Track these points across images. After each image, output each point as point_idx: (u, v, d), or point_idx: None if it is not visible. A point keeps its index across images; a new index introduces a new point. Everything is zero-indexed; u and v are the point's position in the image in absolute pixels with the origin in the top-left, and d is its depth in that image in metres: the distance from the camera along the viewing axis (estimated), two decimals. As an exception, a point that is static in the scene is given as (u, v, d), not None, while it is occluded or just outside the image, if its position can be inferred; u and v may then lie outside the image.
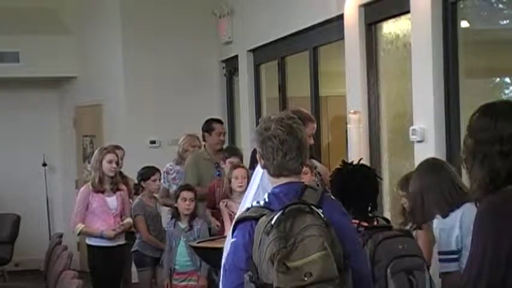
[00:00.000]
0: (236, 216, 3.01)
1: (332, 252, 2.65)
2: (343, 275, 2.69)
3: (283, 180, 2.93)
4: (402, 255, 3.56)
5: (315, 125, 5.08)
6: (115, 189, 7.03)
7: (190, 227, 6.69)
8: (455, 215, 3.88)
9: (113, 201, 7.01)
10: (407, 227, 4.65)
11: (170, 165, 7.84)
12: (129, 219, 7.14)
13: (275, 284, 2.62)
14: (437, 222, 3.97)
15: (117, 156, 7.09)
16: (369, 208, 3.79)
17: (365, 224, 3.67)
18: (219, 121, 7.88)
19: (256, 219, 2.78)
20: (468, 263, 2.49)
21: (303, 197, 2.82)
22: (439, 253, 3.96)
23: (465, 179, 3.70)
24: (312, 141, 5.00)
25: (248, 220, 2.83)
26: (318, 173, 5.62)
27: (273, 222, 2.68)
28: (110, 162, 6.95)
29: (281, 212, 2.69)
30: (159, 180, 7.45)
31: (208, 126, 7.70)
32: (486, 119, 2.55)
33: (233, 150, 7.31)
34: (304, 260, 2.62)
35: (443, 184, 3.99)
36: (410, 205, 4.21)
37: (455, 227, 3.88)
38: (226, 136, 10.14)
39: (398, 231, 3.91)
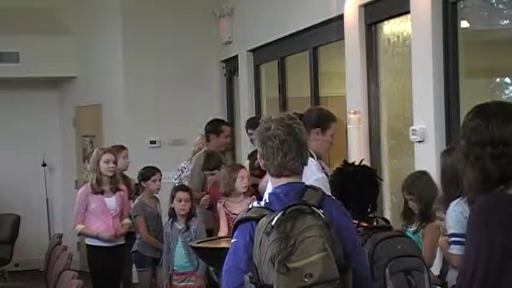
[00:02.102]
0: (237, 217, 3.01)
1: (333, 253, 2.65)
2: (343, 276, 2.69)
3: (283, 181, 2.93)
4: (401, 255, 3.56)
5: (337, 124, 5.03)
6: (115, 190, 7.03)
7: (187, 227, 6.69)
8: None
9: (111, 201, 7.00)
10: (411, 228, 4.67)
11: (185, 164, 7.85)
12: (127, 221, 7.14)
13: (275, 285, 2.61)
14: (456, 205, 3.86)
15: (114, 156, 7.08)
16: (369, 209, 3.79)
17: (364, 224, 3.67)
18: (226, 123, 7.84)
19: (257, 219, 2.78)
20: (463, 262, 2.51)
21: (304, 198, 2.82)
22: (451, 235, 3.87)
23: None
24: (333, 140, 4.99)
25: (249, 221, 2.84)
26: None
27: (273, 223, 2.67)
28: (107, 162, 6.94)
29: (281, 212, 2.69)
30: (160, 180, 7.45)
31: (217, 128, 7.60)
32: (479, 121, 2.56)
33: (208, 162, 7.12)
34: (305, 261, 2.61)
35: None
36: (442, 181, 4.11)
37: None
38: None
39: (398, 231, 3.91)
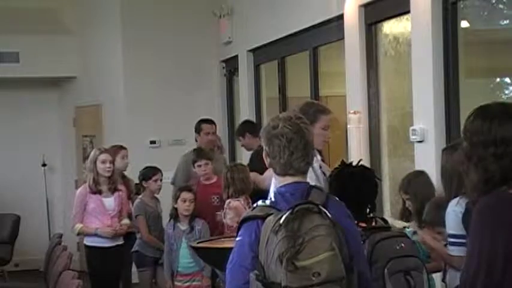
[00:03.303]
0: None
1: (340, 252, 2.66)
2: (349, 275, 2.70)
3: (289, 180, 2.94)
4: (400, 255, 3.55)
5: (329, 117, 4.90)
6: (113, 190, 7.01)
7: (191, 228, 6.68)
8: None
9: (110, 202, 6.99)
10: (410, 228, 4.66)
11: None
12: (126, 221, 7.12)
13: (283, 283, 2.63)
14: (455, 205, 3.80)
15: (112, 156, 7.06)
16: (368, 209, 3.79)
17: (363, 224, 3.67)
18: (207, 121, 7.95)
19: (263, 218, 2.79)
20: (465, 262, 2.51)
21: (309, 198, 2.84)
22: (450, 236, 3.83)
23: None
24: (327, 134, 4.93)
25: (254, 219, 2.85)
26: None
27: (281, 221, 2.69)
28: (104, 162, 6.93)
29: (290, 211, 2.70)
30: (160, 180, 7.45)
31: (197, 127, 7.86)
32: (480, 122, 2.57)
33: (200, 153, 7.29)
34: (313, 260, 2.63)
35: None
36: (443, 180, 4.10)
37: None
38: (226, 135, 10.20)
39: (397, 231, 3.90)
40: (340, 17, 6.83)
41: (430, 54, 5.49)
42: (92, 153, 7.11)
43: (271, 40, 8.71)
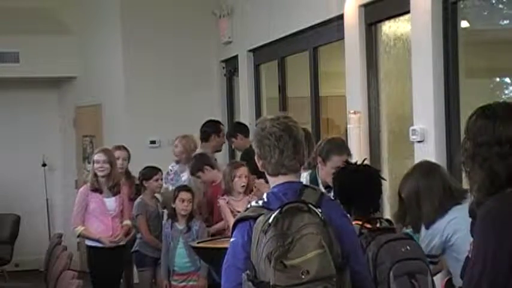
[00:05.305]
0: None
1: (330, 250, 2.66)
2: (341, 274, 2.70)
3: (281, 179, 2.94)
4: (405, 258, 3.54)
5: (343, 158, 4.76)
6: (114, 191, 6.99)
7: (189, 228, 6.68)
8: (440, 224, 3.90)
9: (111, 202, 6.99)
10: (410, 229, 4.66)
11: (171, 167, 7.88)
12: (127, 222, 7.12)
13: (272, 282, 2.63)
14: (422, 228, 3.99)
15: (106, 156, 7.02)
16: (372, 209, 3.77)
17: (368, 225, 3.65)
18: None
19: (255, 218, 2.79)
20: (470, 265, 2.49)
21: (302, 197, 2.83)
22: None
23: (465, 181, 3.67)
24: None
25: (247, 220, 2.85)
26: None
27: (270, 221, 2.69)
28: (97, 162, 6.94)
29: (278, 210, 2.71)
30: (161, 180, 7.45)
31: (218, 127, 7.80)
32: (484, 122, 2.55)
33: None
34: (302, 258, 2.63)
35: (435, 189, 3.99)
36: (405, 207, 4.19)
37: (436, 236, 3.91)
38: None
39: (402, 233, 3.89)
40: (340, 17, 6.83)
41: (430, 54, 5.49)
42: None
43: (271, 40, 8.71)
